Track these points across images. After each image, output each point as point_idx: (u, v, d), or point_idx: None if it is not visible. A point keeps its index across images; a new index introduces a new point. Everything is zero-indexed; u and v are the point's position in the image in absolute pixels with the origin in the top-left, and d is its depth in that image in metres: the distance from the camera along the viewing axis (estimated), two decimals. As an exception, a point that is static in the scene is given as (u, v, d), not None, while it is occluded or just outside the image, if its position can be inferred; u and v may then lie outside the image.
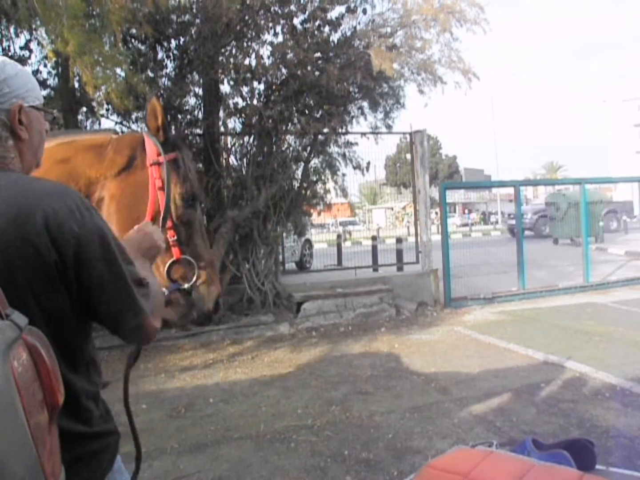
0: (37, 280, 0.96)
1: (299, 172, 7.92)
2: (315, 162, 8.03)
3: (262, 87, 7.19)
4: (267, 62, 6.86)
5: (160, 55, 7.01)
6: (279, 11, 6.83)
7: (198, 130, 7.28)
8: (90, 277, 0.99)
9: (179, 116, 7.18)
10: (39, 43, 6.40)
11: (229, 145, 7.63)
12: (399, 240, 9.75)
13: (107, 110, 6.67)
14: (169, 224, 1.50)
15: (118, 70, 5.28)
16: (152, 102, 1.54)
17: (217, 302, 1.60)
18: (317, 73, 6.92)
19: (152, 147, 1.54)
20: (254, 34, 6.81)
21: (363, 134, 8.16)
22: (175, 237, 1.51)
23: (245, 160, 7.42)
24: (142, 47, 6.83)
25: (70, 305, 1.01)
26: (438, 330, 6.70)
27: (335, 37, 7.26)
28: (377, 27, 7.33)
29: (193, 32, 6.73)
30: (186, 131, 7.18)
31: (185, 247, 1.54)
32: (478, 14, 7.18)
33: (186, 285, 1.53)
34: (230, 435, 3.61)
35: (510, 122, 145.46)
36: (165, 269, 1.51)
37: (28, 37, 6.61)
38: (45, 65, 7.00)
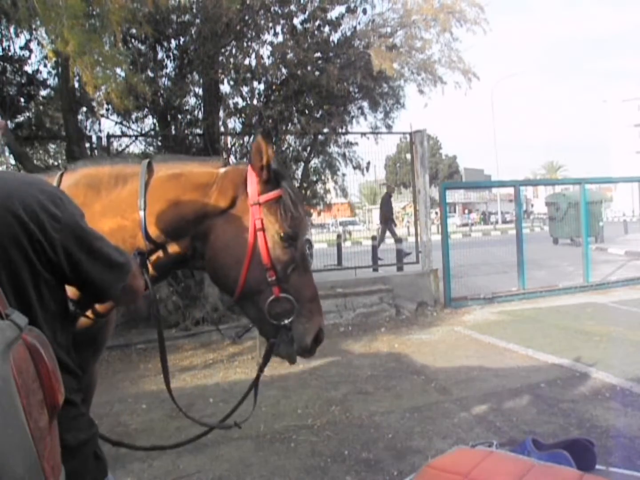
0: (26, 258, 1.02)
1: (299, 172, 7.92)
2: (315, 162, 8.04)
3: (262, 87, 7.20)
4: (267, 62, 6.87)
5: (160, 55, 7.02)
6: (279, 11, 6.84)
7: (198, 130, 7.28)
8: (76, 253, 1.09)
9: (179, 116, 7.18)
10: (39, 43, 6.40)
11: (229, 145, 7.63)
12: (399, 240, 9.75)
13: (107, 110, 6.67)
14: (268, 264, 1.52)
15: (118, 70, 5.28)
16: (258, 141, 1.53)
17: (318, 336, 1.63)
18: (317, 73, 6.92)
19: (254, 186, 1.55)
20: (254, 34, 6.81)
21: (363, 134, 8.16)
22: (275, 277, 1.54)
23: (245, 160, 7.42)
24: (142, 47, 6.83)
25: (52, 286, 1.08)
26: (438, 330, 6.70)
27: (335, 37, 7.28)
28: (377, 27, 7.33)
29: (193, 32, 6.73)
30: (186, 131, 7.19)
31: (285, 285, 1.56)
32: (478, 14, 7.19)
33: (286, 321, 1.56)
34: (230, 435, 3.61)
35: (510, 122, 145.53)
36: (266, 306, 1.54)
37: (28, 37, 6.61)
38: (45, 65, 7.00)
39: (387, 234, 11.69)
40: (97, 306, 1.54)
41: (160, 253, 1.58)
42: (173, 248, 1.59)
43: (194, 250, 1.60)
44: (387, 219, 11.76)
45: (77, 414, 1.13)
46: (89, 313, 1.50)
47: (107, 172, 1.57)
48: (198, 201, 1.55)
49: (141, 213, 1.50)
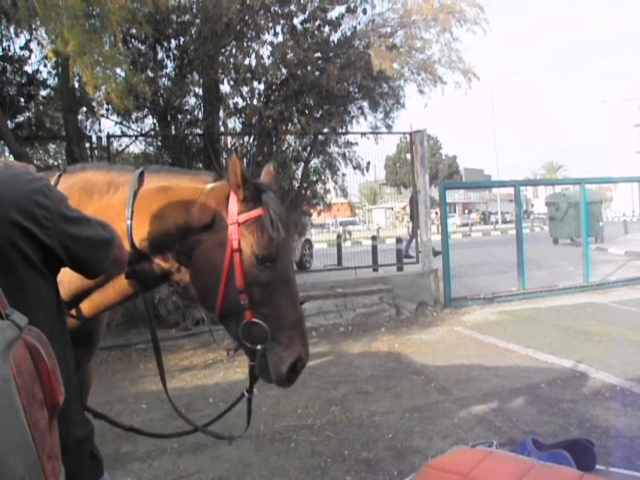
0: (25, 256, 1.03)
1: (299, 172, 7.92)
2: (315, 162, 8.04)
3: (262, 87, 7.20)
4: (267, 62, 6.87)
5: (160, 55, 7.02)
6: (279, 11, 6.84)
7: (198, 130, 7.28)
8: (68, 241, 1.10)
9: (179, 116, 7.18)
10: (39, 43, 6.40)
11: (229, 145, 7.63)
12: (399, 240, 9.74)
13: (107, 110, 6.67)
14: (241, 287, 1.48)
15: (118, 70, 5.28)
16: (233, 159, 1.49)
17: (296, 365, 1.53)
18: (317, 73, 6.92)
19: (234, 204, 1.52)
20: (254, 34, 6.81)
21: (363, 134, 8.15)
22: (247, 301, 1.49)
23: (245, 160, 7.42)
24: (142, 47, 6.83)
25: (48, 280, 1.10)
26: (438, 330, 6.70)
27: (335, 37, 7.27)
28: (377, 27, 7.33)
29: (193, 32, 6.73)
30: (186, 131, 7.19)
31: (261, 308, 1.50)
32: (478, 14, 7.19)
33: (259, 347, 1.50)
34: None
35: (510, 122, 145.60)
36: (240, 330, 1.51)
37: (28, 37, 6.61)
38: (45, 65, 7.00)
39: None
40: (85, 309, 1.57)
41: (147, 264, 1.57)
42: (159, 260, 1.58)
43: (180, 264, 1.58)
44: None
45: (72, 413, 1.13)
46: (73, 313, 1.52)
47: (102, 177, 1.58)
48: (180, 217, 1.53)
49: (128, 222, 1.50)
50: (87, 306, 1.59)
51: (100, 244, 1.19)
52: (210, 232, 1.53)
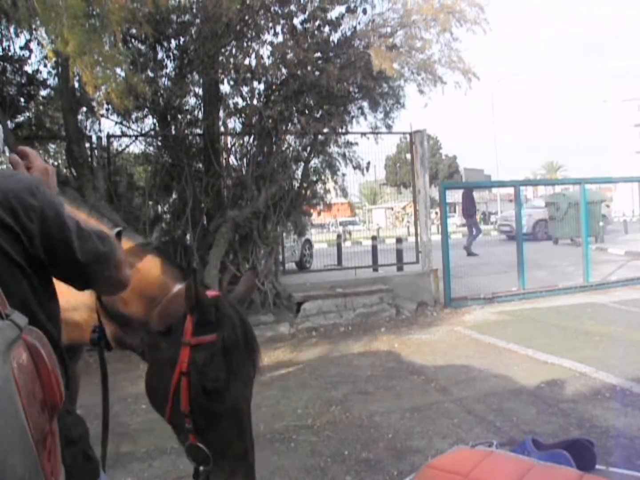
0: (10, 258, 1.00)
1: (299, 172, 7.92)
2: (315, 162, 8.02)
3: (262, 87, 7.19)
4: (267, 62, 6.86)
5: (160, 55, 7.01)
6: (279, 11, 6.83)
7: (198, 130, 7.28)
8: (57, 247, 1.06)
9: (179, 116, 7.18)
10: (39, 43, 6.39)
11: (229, 145, 7.63)
12: (399, 240, 9.74)
13: (107, 110, 6.67)
14: (186, 411, 1.41)
15: (118, 70, 5.27)
16: (188, 283, 1.38)
17: None
18: (317, 73, 6.91)
19: (190, 323, 1.40)
20: (254, 34, 6.80)
21: (363, 134, 8.15)
22: (192, 425, 1.42)
23: (245, 160, 7.42)
24: (142, 47, 6.82)
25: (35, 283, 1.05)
26: (438, 330, 6.70)
27: (335, 37, 7.26)
28: (377, 27, 7.32)
29: (193, 32, 6.72)
30: (186, 131, 7.19)
31: (206, 434, 1.42)
32: (478, 14, 7.16)
33: (201, 468, 1.43)
34: (230, 435, 3.60)
35: (510, 122, 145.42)
36: (185, 448, 1.47)
37: (28, 37, 6.60)
38: (45, 65, 6.98)
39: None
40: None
41: (117, 332, 1.54)
42: (128, 338, 1.54)
43: (143, 353, 1.53)
44: (472, 214, 11.81)
45: (66, 412, 1.13)
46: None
47: None
48: (140, 312, 1.48)
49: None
50: (65, 337, 1.59)
51: (94, 258, 1.11)
52: (166, 341, 1.45)
